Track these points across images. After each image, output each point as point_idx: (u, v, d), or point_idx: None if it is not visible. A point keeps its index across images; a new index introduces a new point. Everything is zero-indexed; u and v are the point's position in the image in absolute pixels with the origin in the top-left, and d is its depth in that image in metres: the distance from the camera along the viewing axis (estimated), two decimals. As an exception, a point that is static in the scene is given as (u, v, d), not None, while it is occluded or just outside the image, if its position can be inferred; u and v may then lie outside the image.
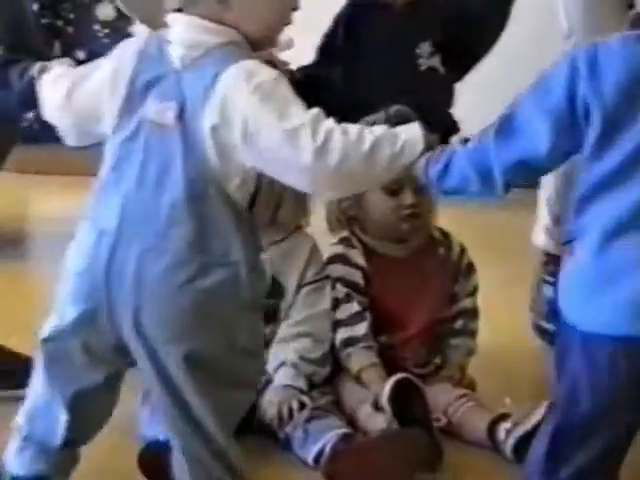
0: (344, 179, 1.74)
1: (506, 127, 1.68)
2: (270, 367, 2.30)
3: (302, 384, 2.27)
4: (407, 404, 2.17)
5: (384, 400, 2.18)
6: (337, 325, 2.37)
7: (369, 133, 1.72)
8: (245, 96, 1.70)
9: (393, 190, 2.35)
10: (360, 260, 2.42)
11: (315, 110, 1.72)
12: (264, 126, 1.69)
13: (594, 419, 1.66)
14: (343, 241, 2.45)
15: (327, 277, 2.40)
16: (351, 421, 2.26)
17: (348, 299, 2.38)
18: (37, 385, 1.86)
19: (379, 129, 1.75)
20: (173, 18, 1.78)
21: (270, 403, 2.24)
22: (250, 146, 1.70)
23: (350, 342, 2.35)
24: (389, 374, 2.26)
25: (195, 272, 1.72)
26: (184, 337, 1.74)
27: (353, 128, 1.73)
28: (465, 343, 2.44)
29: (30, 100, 1.96)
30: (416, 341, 2.43)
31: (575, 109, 1.65)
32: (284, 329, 2.35)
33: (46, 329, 1.82)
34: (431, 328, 2.45)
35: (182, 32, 1.77)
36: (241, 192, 1.76)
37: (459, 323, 2.44)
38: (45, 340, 1.82)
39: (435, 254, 2.45)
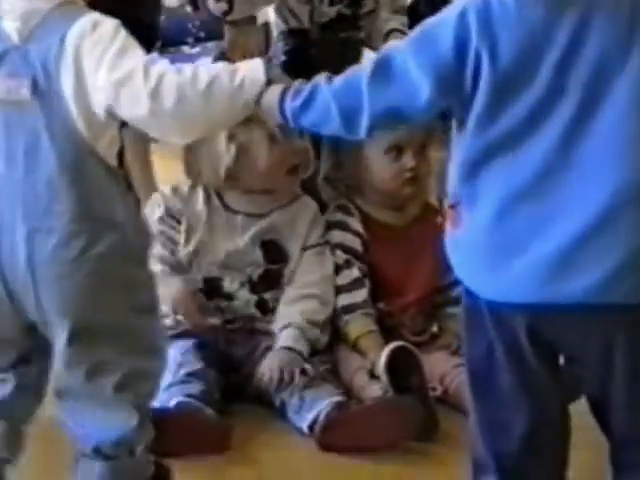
0: (186, 120, 1.76)
1: (383, 72, 1.66)
2: (275, 327, 2.34)
3: (304, 348, 2.30)
4: (403, 372, 2.20)
5: (380, 368, 2.21)
6: (338, 291, 2.40)
7: (206, 71, 1.74)
8: (89, 47, 1.72)
9: (395, 153, 2.39)
10: (358, 227, 2.46)
11: (150, 55, 1.75)
12: (101, 76, 1.71)
13: (510, 392, 1.70)
14: (341, 208, 2.49)
15: (327, 242, 2.43)
16: (347, 389, 2.29)
17: (348, 265, 2.42)
18: None
19: (216, 66, 1.78)
20: None
21: (270, 367, 2.26)
22: (95, 94, 1.72)
23: (349, 309, 2.39)
24: (387, 341, 2.29)
25: (86, 242, 1.76)
26: (85, 308, 1.78)
27: (189, 67, 1.75)
28: (462, 312, 2.46)
29: None
30: (413, 309, 2.47)
31: (463, 63, 1.64)
32: (290, 291, 2.39)
33: None
34: (428, 296, 2.48)
35: (13, 4, 1.77)
36: (111, 150, 1.78)
37: (456, 292, 2.44)
38: None
39: (432, 222, 2.45)
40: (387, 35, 2.92)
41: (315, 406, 2.17)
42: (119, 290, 1.80)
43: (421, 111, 1.67)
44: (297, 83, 1.74)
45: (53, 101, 1.74)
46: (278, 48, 2.87)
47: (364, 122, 1.67)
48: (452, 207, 1.70)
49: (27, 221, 1.75)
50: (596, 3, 1.63)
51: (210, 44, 4.31)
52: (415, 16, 2.97)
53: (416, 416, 2.16)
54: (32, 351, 1.87)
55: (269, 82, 1.74)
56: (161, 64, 1.74)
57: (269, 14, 2.97)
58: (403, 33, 2.89)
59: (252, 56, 2.60)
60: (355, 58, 2.91)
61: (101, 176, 1.78)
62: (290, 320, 2.33)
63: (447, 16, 1.64)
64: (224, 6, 2.61)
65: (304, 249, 2.41)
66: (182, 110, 1.73)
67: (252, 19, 2.82)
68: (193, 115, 1.75)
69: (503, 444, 1.72)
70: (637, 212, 1.63)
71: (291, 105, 1.72)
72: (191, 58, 4.11)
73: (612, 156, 1.63)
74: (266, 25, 3.00)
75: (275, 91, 1.73)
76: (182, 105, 1.72)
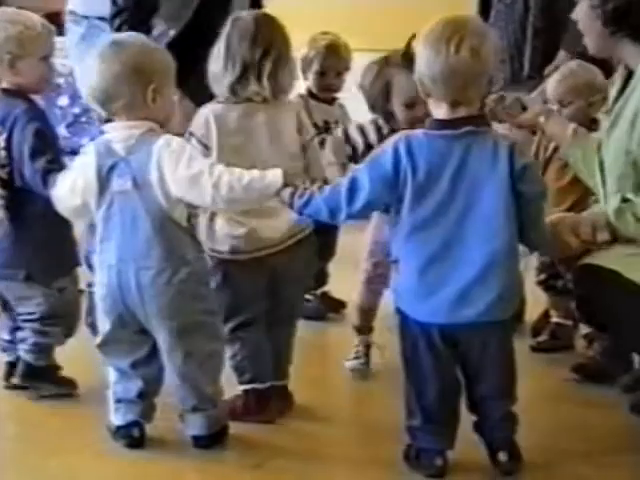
0: (233, 202, 2.46)
1: (353, 188, 2.33)
2: None
3: None
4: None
5: None
6: None
7: (247, 174, 2.41)
8: (167, 157, 2.42)
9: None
10: None
11: (211, 159, 2.47)
12: (177, 174, 2.41)
13: (428, 371, 2.38)
14: None
15: None
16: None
17: None
18: (110, 370, 2.61)
19: (255, 171, 2.43)
20: (109, 127, 2.51)
21: None
22: (175, 187, 2.42)
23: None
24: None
25: (171, 274, 2.46)
26: (175, 315, 2.47)
27: (236, 170, 2.42)
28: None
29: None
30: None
31: (398, 176, 2.30)
32: None
33: (98, 338, 2.60)
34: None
35: (119, 132, 2.48)
36: (181, 216, 2.48)
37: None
38: (99, 344, 2.59)
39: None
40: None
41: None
42: (194, 301, 2.50)
43: (376, 205, 2.38)
44: (301, 188, 2.40)
45: (144, 189, 2.44)
46: None
47: (342, 217, 2.39)
48: (394, 262, 2.41)
49: (135, 262, 2.47)
50: (475, 140, 2.31)
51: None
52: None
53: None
54: (150, 350, 2.56)
55: (285, 185, 2.41)
56: (219, 167, 2.44)
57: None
58: None
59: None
60: None
61: (177, 232, 2.48)
62: None
63: (387, 149, 2.34)
64: None
65: None
66: (231, 196, 2.42)
67: None
68: (237, 200, 2.46)
69: (424, 400, 2.40)
70: (504, 268, 2.31)
71: (297, 202, 2.41)
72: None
73: (486, 234, 2.28)
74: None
75: (287, 191, 2.42)
76: (230, 193, 2.42)
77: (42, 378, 2.92)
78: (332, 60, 3.77)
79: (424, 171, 2.32)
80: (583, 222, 2.62)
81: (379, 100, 3.02)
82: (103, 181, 2.49)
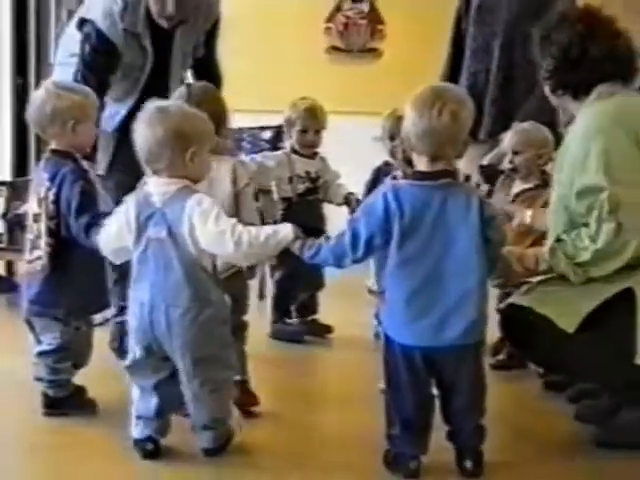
0: (251, 256, 2.70)
1: (355, 236, 2.57)
2: None
3: None
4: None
5: None
6: None
7: (262, 231, 2.63)
8: (197, 214, 2.62)
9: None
10: None
11: (233, 220, 2.64)
12: (206, 229, 2.62)
13: (407, 388, 2.61)
14: None
15: None
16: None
17: None
18: (134, 390, 2.83)
19: (268, 229, 2.66)
20: (151, 181, 2.71)
21: None
22: (203, 240, 2.63)
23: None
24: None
25: (196, 314, 2.66)
26: (196, 348, 2.69)
27: (253, 229, 2.64)
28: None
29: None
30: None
31: (389, 219, 2.52)
32: None
33: (127, 360, 2.82)
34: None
35: (158, 187, 2.69)
36: (208, 263, 2.69)
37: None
38: (128, 366, 2.81)
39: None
40: (347, 197, 4.26)
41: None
42: (213, 338, 2.72)
43: (379, 246, 2.57)
44: (310, 240, 2.65)
45: (178, 239, 2.65)
46: (277, 208, 4.17)
47: (348, 262, 2.63)
48: (382, 293, 2.64)
49: (165, 301, 2.68)
50: (451, 191, 2.55)
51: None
52: None
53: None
54: (171, 373, 2.79)
55: (296, 237, 2.66)
56: (239, 227, 2.64)
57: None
58: (352, 193, 4.23)
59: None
60: (317, 209, 4.29)
61: (204, 276, 2.70)
62: None
63: (376, 197, 2.57)
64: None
65: None
66: (249, 252, 2.66)
67: (269, 191, 4.02)
68: (254, 254, 2.70)
69: (402, 412, 2.63)
70: (476, 299, 2.56)
71: (307, 253, 2.67)
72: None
73: (461, 271, 2.53)
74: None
75: (298, 243, 2.67)
76: (250, 249, 2.64)
77: (66, 406, 3.20)
78: (311, 120, 4.24)
79: (409, 215, 2.55)
80: (528, 254, 2.90)
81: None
82: (141, 227, 2.71)
